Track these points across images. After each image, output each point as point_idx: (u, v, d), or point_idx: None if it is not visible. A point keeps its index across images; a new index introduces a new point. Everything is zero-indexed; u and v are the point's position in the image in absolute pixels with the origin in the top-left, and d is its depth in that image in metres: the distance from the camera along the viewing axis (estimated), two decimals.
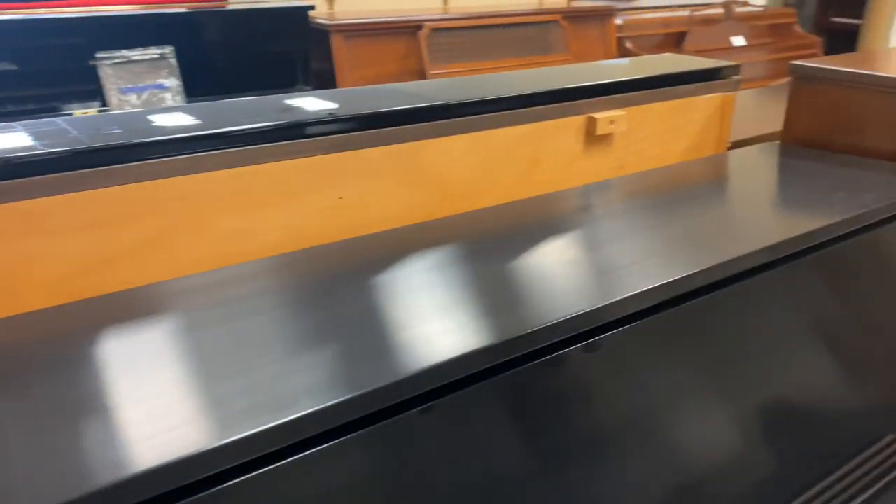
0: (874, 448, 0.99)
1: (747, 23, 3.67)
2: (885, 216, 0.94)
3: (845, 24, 4.75)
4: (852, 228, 0.91)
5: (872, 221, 0.93)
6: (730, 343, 0.87)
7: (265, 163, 0.83)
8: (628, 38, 3.27)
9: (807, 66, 1.23)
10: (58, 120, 0.84)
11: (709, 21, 3.57)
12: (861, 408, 1.02)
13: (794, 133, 1.26)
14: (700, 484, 0.82)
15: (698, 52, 3.26)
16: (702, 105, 1.24)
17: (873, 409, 1.03)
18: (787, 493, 0.90)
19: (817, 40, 3.86)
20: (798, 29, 3.93)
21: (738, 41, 3.59)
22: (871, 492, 0.92)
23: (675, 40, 3.44)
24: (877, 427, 1.02)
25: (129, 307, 0.72)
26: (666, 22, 3.48)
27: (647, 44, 3.36)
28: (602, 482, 0.75)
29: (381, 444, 0.60)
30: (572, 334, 0.70)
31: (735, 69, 1.28)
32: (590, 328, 0.71)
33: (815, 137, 1.23)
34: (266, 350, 0.63)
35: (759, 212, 0.96)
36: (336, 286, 0.75)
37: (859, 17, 4.46)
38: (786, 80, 3.37)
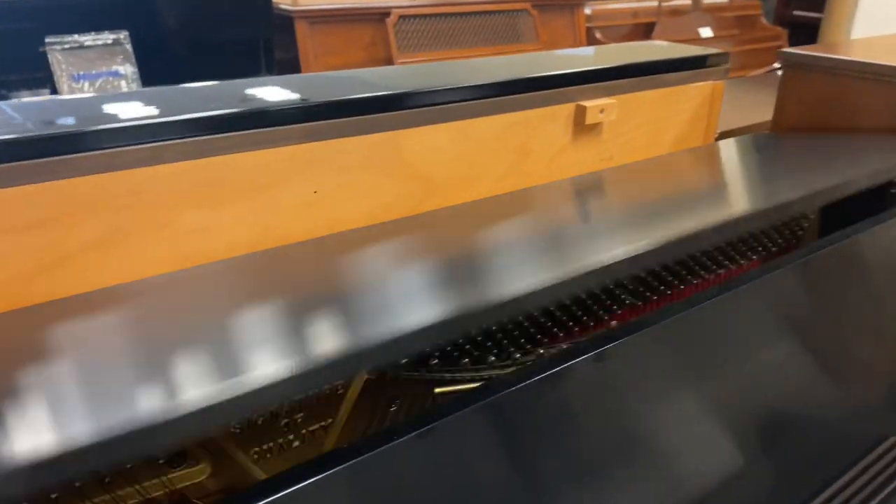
0: (876, 452, 0.95)
1: (714, 14, 3.65)
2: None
3: (807, 17, 4.77)
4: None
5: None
6: (725, 350, 0.82)
7: (230, 153, 0.75)
8: (597, 28, 3.23)
9: (798, 54, 1.18)
10: (1, 104, 0.75)
11: (676, 12, 3.54)
12: (861, 411, 0.97)
13: (785, 122, 1.21)
14: (698, 501, 0.77)
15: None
16: (692, 94, 1.19)
17: (873, 411, 0.99)
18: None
19: (783, 32, 3.87)
20: (763, 21, 3.93)
21: (706, 32, 3.56)
22: (878, 499, 0.88)
23: (643, 31, 3.41)
24: (877, 430, 0.98)
25: (77, 314, 0.63)
26: (634, 12, 3.44)
27: (616, 34, 3.32)
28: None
29: (373, 474, 0.53)
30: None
31: (724, 57, 1.22)
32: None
33: (807, 127, 1.19)
34: (230, 362, 0.55)
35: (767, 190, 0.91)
36: (313, 288, 0.67)
37: (820, 10, 4.48)
38: (762, 70, 3.34)
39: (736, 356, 0.82)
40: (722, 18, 3.66)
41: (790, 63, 1.19)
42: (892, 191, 1.01)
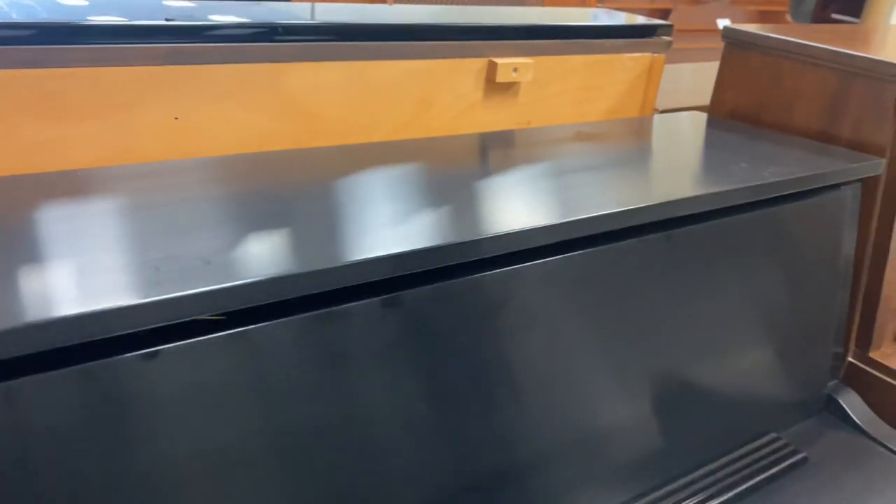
0: (755, 444, 0.92)
1: (737, 7, 3.55)
2: (784, 193, 0.85)
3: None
4: (746, 201, 0.83)
5: (769, 197, 0.84)
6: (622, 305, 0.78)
7: (82, 67, 0.73)
8: (608, 10, 3.16)
9: (740, 31, 1.14)
10: None
11: (697, 1, 3.45)
12: (747, 402, 0.94)
13: (723, 104, 1.17)
14: (569, 452, 0.75)
15: (681, 31, 3.14)
16: (628, 64, 1.15)
17: (759, 405, 0.95)
18: (661, 476, 0.83)
19: None
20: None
21: (724, 24, 3.48)
22: (744, 487, 0.85)
23: (658, 16, 3.33)
24: (760, 423, 0.94)
25: None
26: None
27: None
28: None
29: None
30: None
31: (667, 29, 1.18)
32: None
33: (744, 110, 1.14)
34: None
35: (643, 176, 0.88)
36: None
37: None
38: None
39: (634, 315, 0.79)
40: (745, 12, 3.57)
41: (731, 40, 1.14)
42: None
